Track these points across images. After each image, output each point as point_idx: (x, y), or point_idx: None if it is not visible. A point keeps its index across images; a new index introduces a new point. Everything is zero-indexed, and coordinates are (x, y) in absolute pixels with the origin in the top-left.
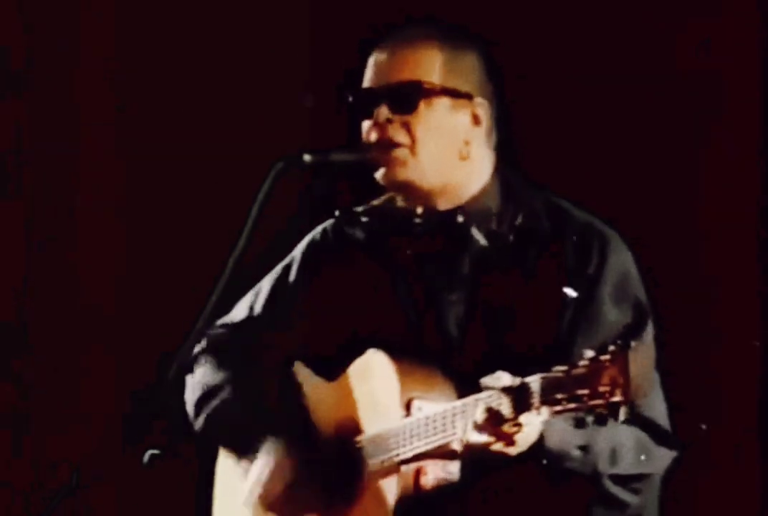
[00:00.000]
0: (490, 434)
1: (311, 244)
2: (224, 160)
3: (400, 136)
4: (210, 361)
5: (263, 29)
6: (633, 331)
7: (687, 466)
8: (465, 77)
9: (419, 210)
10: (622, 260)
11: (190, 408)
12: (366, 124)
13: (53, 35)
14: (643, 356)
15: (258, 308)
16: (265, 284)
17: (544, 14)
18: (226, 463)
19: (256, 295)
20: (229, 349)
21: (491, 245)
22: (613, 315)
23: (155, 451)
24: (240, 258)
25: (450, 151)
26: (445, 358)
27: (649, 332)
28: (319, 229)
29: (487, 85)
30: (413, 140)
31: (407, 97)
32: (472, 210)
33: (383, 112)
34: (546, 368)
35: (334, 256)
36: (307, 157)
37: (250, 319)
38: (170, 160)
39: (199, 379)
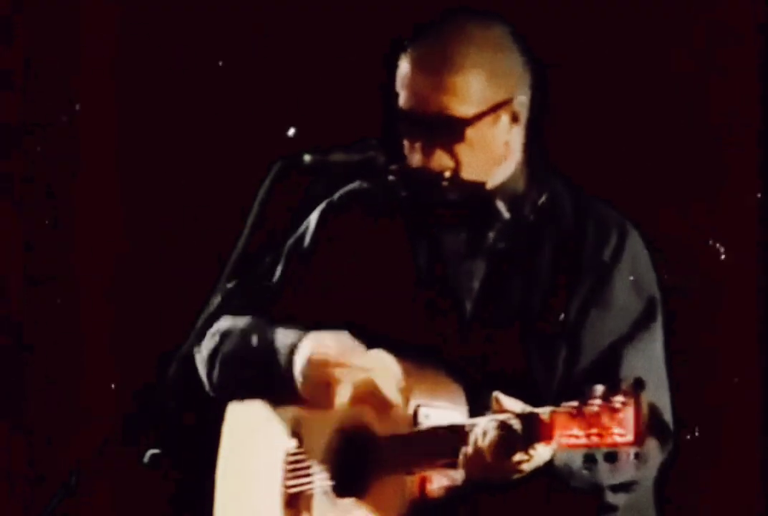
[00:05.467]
0: (498, 460)
1: (328, 207)
2: (224, 160)
3: (443, 161)
4: (221, 324)
5: (262, 28)
6: (642, 322)
7: (687, 465)
8: (506, 81)
9: (447, 174)
10: (639, 252)
11: (202, 368)
12: (407, 145)
13: (53, 32)
14: (650, 396)
15: (273, 273)
16: (282, 250)
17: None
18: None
19: (272, 260)
20: (242, 314)
21: (513, 220)
22: (624, 303)
23: (155, 451)
24: (240, 258)
25: (491, 161)
26: (455, 332)
27: (658, 327)
28: (337, 193)
29: (527, 76)
30: (457, 163)
31: (452, 129)
32: (498, 185)
33: (426, 139)
34: (554, 350)
35: (351, 218)
36: (306, 157)
37: (264, 284)
38: (170, 159)
39: (208, 344)
